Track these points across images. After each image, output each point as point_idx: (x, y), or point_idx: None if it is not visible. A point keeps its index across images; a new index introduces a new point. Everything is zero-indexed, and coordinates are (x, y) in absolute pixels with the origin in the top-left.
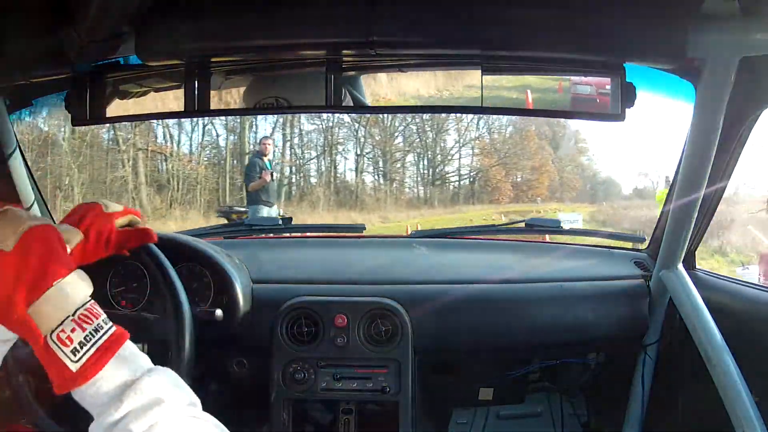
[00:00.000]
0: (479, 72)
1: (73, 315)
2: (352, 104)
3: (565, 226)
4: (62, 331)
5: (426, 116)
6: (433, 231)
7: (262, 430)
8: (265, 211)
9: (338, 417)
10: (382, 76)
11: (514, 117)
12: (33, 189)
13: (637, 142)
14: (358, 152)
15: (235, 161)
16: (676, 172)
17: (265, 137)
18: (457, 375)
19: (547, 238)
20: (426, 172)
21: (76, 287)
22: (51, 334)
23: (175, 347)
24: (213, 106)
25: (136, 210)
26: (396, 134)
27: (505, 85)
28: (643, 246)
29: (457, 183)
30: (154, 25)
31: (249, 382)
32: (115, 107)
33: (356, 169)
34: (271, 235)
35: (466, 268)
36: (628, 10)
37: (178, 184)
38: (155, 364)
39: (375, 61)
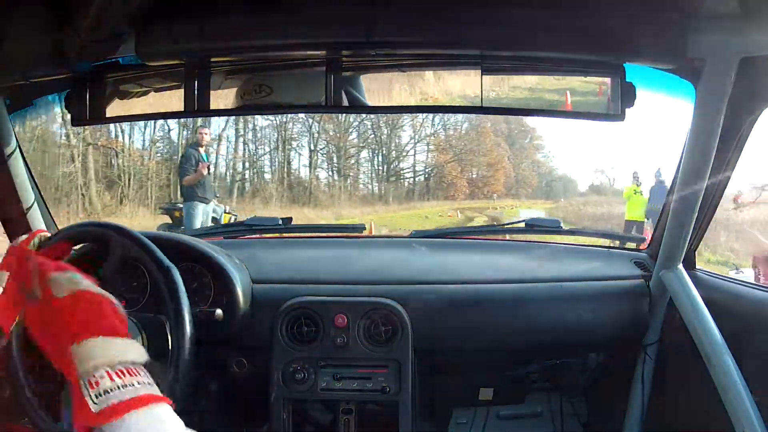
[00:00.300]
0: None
1: (111, 368)
2: (351, 103)
3: None
4: (93, 376)
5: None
6: (433, 231)
7: (262, 430)
8: (201, 209)
9: (338, 417)
10: (429, 76)
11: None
12: (33, 189)
13: (592, 138)
14: (312, 147)
15: None
16: (676, 172)
17: (202, 126)
18: (457, 375)
19: (547, 237)
20: (381, 168)
21: (126, 349)
22: (84, 376)
23: (175, 347)
24: (213, 106)
25: (38, 230)
26: (350, 130)
27: (548, 88)
28: (643, 246)
29: (411, 179)
30: (154, 25)
31: (249, 382)
32: (115, 107)
33: (310, 164)
34: (271, 234)
35: (466, 268)
36: (628, 10)
37: (129, 180)
38: (156, 364)
39: (375, 61)
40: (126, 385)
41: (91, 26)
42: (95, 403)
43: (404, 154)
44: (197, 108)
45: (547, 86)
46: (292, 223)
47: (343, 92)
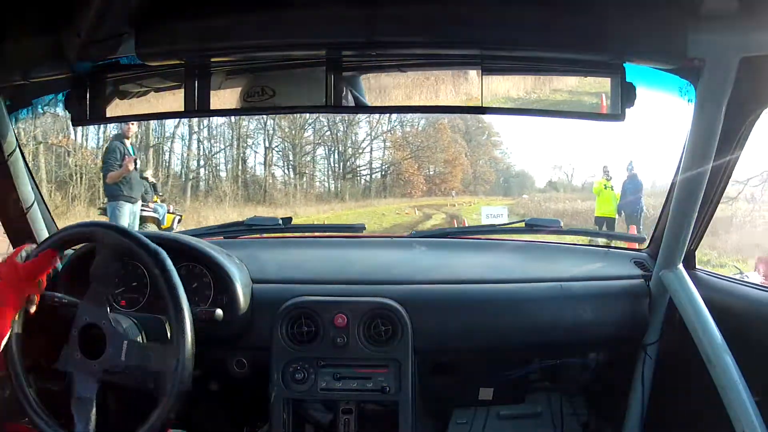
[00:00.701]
0: (565, 77)
1: None
2: (352, 104)
3: (490, 220)
4: None
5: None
6: (433, 231)
7: (262, 430)
8: (127, 209)
9: (338, 417)
10: (474, 80)
11: None
12: (33, 189)
13: (549, 135)
14: (267, 145)
15: (143, 155)
16: (677, 172)
17: None
18: (457, 375)
19: (547, 237)
20: (337, 165)
21: None
22: None
23: (175, 347)
24: (213, 106)
25: (24, 244)
26: (306, 127)
27: (588, 91)
28: (643, 246)
29: (368, 177)
30: (154, 25)
31: (249, 382)
32: (115, 107)
33: (265, 162)
34: (271, 234)
35: (466, 268)
36: (628, 10)
37: (80, 179)
38: (156, 364)
39: (375, 61)
40: None
41: (91, 26)
42: None
43: (361, 151)
44: (197, 108)
45: (587, 89)
46: (292, 223)
47: (344, 92)
